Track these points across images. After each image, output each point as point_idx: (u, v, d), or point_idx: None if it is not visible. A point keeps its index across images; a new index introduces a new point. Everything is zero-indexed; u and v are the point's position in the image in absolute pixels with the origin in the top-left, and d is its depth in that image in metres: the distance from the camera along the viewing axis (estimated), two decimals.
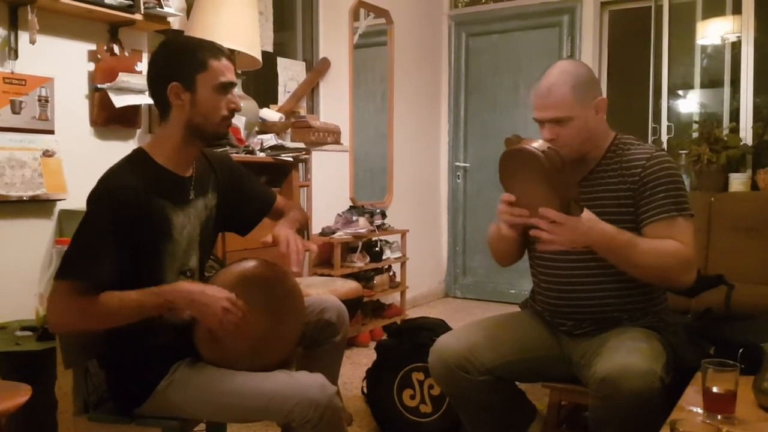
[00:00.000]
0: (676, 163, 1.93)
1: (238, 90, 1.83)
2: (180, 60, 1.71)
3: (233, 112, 1.76)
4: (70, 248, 1.61)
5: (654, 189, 1.85)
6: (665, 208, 1.83)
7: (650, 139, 4.83)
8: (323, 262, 4.16)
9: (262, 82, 3.93)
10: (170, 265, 1.70)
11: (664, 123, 4.84)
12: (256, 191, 2.01)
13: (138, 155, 1.74)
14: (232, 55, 1.82)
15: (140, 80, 2.99)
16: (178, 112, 1.71)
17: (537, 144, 1.69)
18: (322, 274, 3.94)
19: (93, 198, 1.63)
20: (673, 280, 1.85)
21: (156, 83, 1.73)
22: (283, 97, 4.11)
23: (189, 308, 1.61)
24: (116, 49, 2.99)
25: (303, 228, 2.07)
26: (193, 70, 1.69)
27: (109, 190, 1.62)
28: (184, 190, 1.76)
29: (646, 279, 1.85)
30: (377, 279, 4.42)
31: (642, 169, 1.87)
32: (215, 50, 1.73)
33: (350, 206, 4.57)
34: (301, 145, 3.74)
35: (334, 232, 4.13)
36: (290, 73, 4.19)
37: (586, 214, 1.72)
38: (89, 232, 1.61)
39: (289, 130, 3.97)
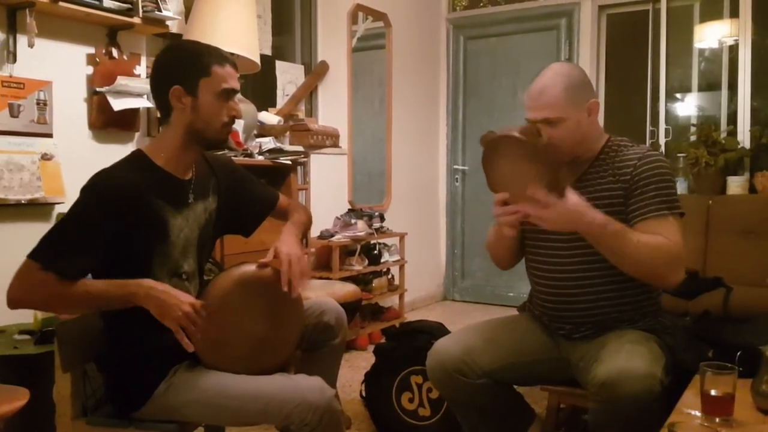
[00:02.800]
0: (668, 162, 1.92)
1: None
2: (184, 63, 1.71)
3: (234, 119, 1.76)
4: (50, 233, 1.61)
5: (644, 187, 1.85)
6: (655, 207, 1.83)
7: (648, 142, 4.84)
8: (322, 265, 4.16)
9: (260, 86, 3.93)
10: (162, 266, 1.70)
11: (662, 126, 4.85)
12: (258, 193, 2.01)
13: (137, 156, 1.74)
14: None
15: (139, 83, 2.99)
16: (178, 115, 1.71)
17: (512, 130, 1.71)
18: (320, 277, 3.94)
19: (83, 189, 1.63)
20: (661, 277, 1.84)
21: (158, 85, 1.73)
22: (281, 101, 4.11)
23: (147, 304, 1.59)
24: (115, 52, 2.99)
25: (307, 229, 2.06)
26: (196, 74, 1.69)
27: (100, 184, 1.63)
28: (183, 193, 1.76)
29: (633, 273, 1.83)
30: (376, 282, 4.42)
31: (633, 168, 1.88)
32: (220, 56, 1.73)
33: (349, 209, 4.57)
34: (300, 148, 3.74)
35: (332, 235, 4.13)
36: (289, 77, 4.20)
37: (576, 198, 1.71)
38: (71, 222, 1.62)
39: (288, 134, 3.97)
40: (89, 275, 1.64)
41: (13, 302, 1.60)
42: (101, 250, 1.61)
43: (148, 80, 3.05)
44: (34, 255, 1.58)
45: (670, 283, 1.87)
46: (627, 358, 1.72)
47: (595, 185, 1.93)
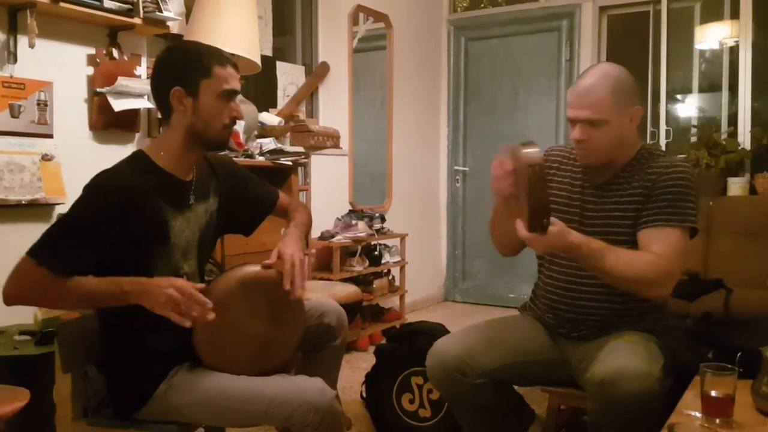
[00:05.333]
0: (694, 175, 1.88)
1: None
2: (185, 65, 1.71)
3: (235, 120, 1.76)
4: (49, 230, 1.61)
5: (660, 196, 1.85)
6: (664, 216, 1.82)
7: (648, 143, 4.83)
8: (322, 267, 4.16)
9: (261, 86, 3.93)
10: (163, 268, 1.70)
11: (663, 127, 4.85)
12: (258, 192, 2.01)
13: (139, 157, 1.74)
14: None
15: (139, 84, 2.99)
16: (179, 116, 1.71)
17: (533, 155, 1.65)
18: (321, 278, 3.94)
19: (86, 189, 1.63)
20: (642, 292, 1.84)
21: (159, 87, 1.73)
22: (282, 101, 4.11)
23: (142, 301, 1.58)
24: (115, 53, 2.99)
25: (309, 229, 2.06)
26: (197, 75, 1.69)
27: (102, 184, 1.62)
28: (185, 195, 1.76)
29: (618, 287, 1.84)
30: (376, 283, 4.42)
31: (657, 176, 1.87)
32: (221, 57, 1.73)
33: (349, 210, 4.57)
34: (301, 149, 3.74)
35: (333, 236, 4.13)
36: (289, 78, 4.20)
37: (555, 226, 1.69)
38: (71, 221, 1.61)
39: (289, 134, 3.97)
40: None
41: (8, 298, 1.60)
42: (100, 251, 1.61)
43: (148, 81, 3.06)
44: (31, 251, 1.58)
45: (657, 297, 1.88)
46: (625, 357, 1.72)
47: (620, 190, 1.93)
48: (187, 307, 1.56)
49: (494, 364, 1.94)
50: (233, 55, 2.98)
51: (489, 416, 2.02)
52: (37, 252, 1.57)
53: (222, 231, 1.97)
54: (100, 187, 1.62)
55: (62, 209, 2.77)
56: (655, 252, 1.78)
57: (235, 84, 1.74)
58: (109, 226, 1.60)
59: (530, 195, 1.63)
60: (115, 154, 2.88)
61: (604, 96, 1.84)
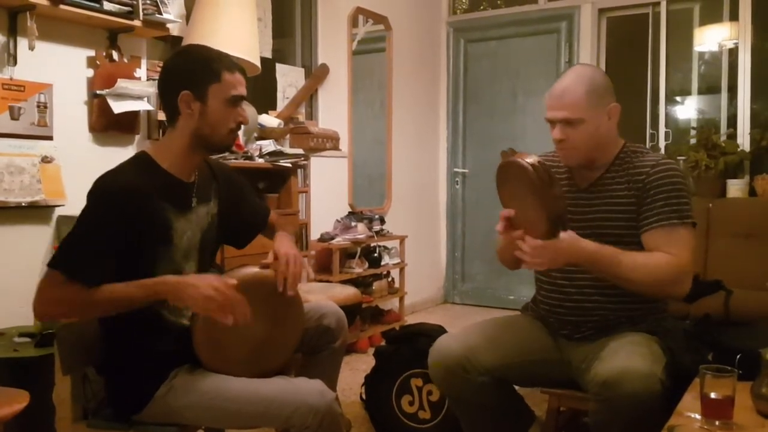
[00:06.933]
0: (682, 171, 1.92)
1: None
2: (194, 69, 1.71)
3: (240, 124, 1.77)
4: (66, 239, 1.62)
5: (655, 196, 1.86)
6: (664, 216, 1.83)
7: (648, 145, 4.84)
8: (322, 268, 4.16)
9: (260, 88, 3.93)
10: (165, 269, 1.69)
11: (662, 129, 4.86)
12: (253, 204, 2.03)
13: (142, 158, 1.74)
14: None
15: (139, 86, 3.00)
16: (186, 120, 1.71)
17: (529, 158, 1.70)
18: (320, 280, 3.93)
19: (91, 193, 1.63)
20: (663, 292, 1.87)
21: (167, 90, 1.73)
22: (281, 103, 4.11)
23: (175, 300, 1.61)
24: (115, 55, 3.00)
25: (296, 241, 2.08)
26: (206, 80, 1.70)
27: (107, 187, 1.63)
28: (187, 196, 1.77)
29: (636, 291, 1.86)
30: (376, 285, 4.42)
31: (646, 175, 1.89)
32: (230, 63, 1.74)
33: (349, 212, 4.57)
34: (300, 151, 3.74)
35: (332, 238, 4.13)
36: (289, 80, 4.20)
37: (566, 234, 1.71)
38: (85, 227, 1.62)
39: (288, 136, 3.97)
40: None
41: (41, 316, 1.61)
42: (115, 252, 1.61)
43: (148, 83, 3.07)
44: (56, 266, 1.58)
45: (676, 296, 1.89)
46: (628, 358, 1.72)
47: (609, 191, 1.94)
48: (227, 303, 1.60)
49: (496, 362, 1.94)
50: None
51: (489, 415, 2.02)
52: (62, 267, 1.57)
53: (222, 235, 1.97)
54: (102, 190, 1.63)
55: (62, 211, 2.78)
56: (667, 251, 1.80)
57: (243, 90, 1.76)
58: (118, 228, 1.61)
59: (542, 191, 1.65)
60: (114, 156, 2.88)
61: (579, 95, 1.87)
